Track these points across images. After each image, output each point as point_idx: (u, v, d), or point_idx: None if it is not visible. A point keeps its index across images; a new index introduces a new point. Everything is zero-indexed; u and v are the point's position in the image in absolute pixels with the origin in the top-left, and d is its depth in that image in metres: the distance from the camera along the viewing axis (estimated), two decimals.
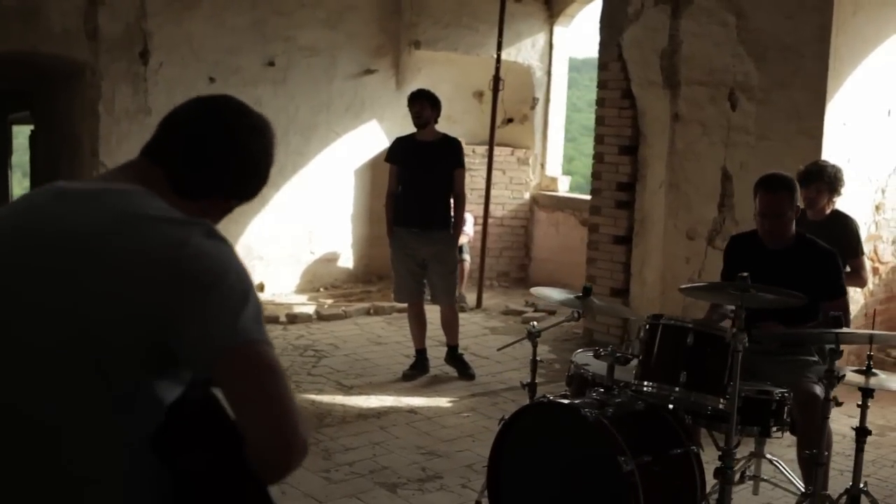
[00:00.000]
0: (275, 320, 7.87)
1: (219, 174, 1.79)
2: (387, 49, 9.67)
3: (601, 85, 7.67)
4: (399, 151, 6.60)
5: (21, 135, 14.91)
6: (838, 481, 4.31)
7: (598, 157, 7.72)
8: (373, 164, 9.58)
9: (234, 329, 1.54)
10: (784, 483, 4.32)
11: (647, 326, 3.75)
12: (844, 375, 3.52)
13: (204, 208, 1.77)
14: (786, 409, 3.73)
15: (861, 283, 5.47)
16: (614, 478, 3.33)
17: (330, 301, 8.94)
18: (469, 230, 9.01)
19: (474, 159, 9.39)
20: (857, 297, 6.20)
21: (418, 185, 6.44)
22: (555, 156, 10.47)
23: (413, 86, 7.84)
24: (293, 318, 8.10)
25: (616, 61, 7.43)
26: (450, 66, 9.79)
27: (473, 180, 9.04)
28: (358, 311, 8.49)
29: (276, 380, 1.54)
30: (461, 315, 7.07)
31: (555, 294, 4.28)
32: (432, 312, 6.75)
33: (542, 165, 10.36)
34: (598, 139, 7.70)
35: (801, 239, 4.23)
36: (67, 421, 1.58)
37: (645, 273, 7.33)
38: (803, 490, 3.88)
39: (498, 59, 9.07)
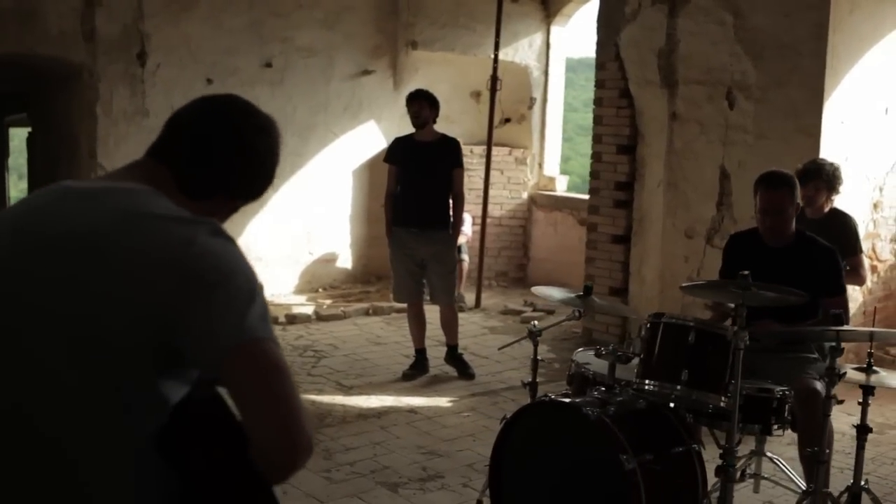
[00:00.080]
0: (274, 321, 7.78)
1: (224, 174, 1.79)
2: (384, 49, 9.67)
3: (599, 84, 7.68)
4: (398, 152, 6.60)
5: (17, 137, 14.90)
6: (838, 479, 4.32)
7: (596, 157, 7.72)
8: (371, 165, 9.58)
9: (241, 328, 1.53)
10: (784, 481, 4.33)
11: (649, 325, 3.76)
12: (846, 373, 3.53)
13: (210, 208, 1.77)
14: (787, 406, 3.74)
15: (860, 281, 5.49)
16: (616, 476, 3.33)
17: (329, 301, 8.95)
18: (467, 230, 9.02)
19: (472, 159, 9.40)
20: (855, 296, 6.22)
21: (417, 185, 6.44)
22: (552, 155, 10.48)
23: (410, 86, 7.84)
24: (292, 319, 8.11)
25: (613, 61, 7.44)
26: (447, 66, 9.80)
27: (471, 180, 9.04)
28: (357, 311, 8.50)
29: (282, 379, 1.53)
30: (460, 315, 7.07)
31: (556, 293, 4.29)
32: (432, 312, 6.76)
33: (540, 165, 10.37)
34: (596, 138, 7.71)
35: (801, 236, 4.25)
36: (74, 423, 1.58)
37: (644, 272, 7.34)
38: (804, 488, 3.89)
39: (495, 59, 9.08)
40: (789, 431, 3.94)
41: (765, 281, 3.50)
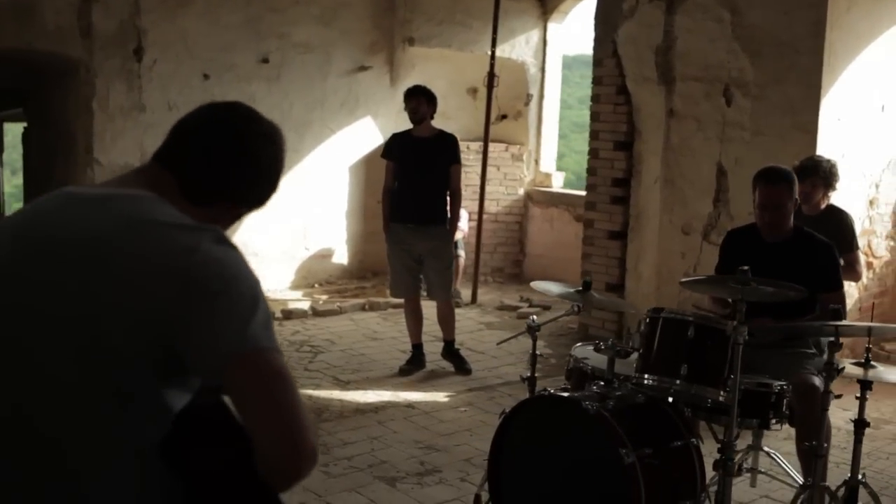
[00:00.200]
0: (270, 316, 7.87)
1: (228, 180, 1.79)
2: (381, 46, 9.67)
3: (596, 81, 7.69)
4: (395, 148, 6.60)
5: (11, 132, 14.85)
6: (834, 473, 4.34)
7: (593, 153, 7.74)
8: (367, 161, 9.59)
9: (244, 336, 1.53)
10: (781, 475, 4.35)
11: (648, 320, 3.77)
12: (844, 368, 3.54)
13: (214, 214, 1.77)
14: (785, 401, 3.76)
15: (856, 277, 5.51)
16: (615, 470, 3.34)
17: (325, 297, 8.95)
18: (464, 226, 9.03)
19: (469, 155, 9.39)
20: (851, 292, 6.23)
21: (415, 181, 6.44)
22: (549, 152, 10.49)
23: (407, 82, 7.84)
24: (288, 314, 8.11)
25: (611, 57, 7.45)
26: (444, 62, 9.80)
27: (468, 176, 9.03)
28: (353, 306, 8.51)
29: (285, 387, 1.53)
30: (456, 311, 7.08)
31: (555, 288, 4.30)
32: (428, 308, 6.77)
33: (537, 161, 10.38)
34: (593, 135, 7.72)
35: (798, 232, 4.27)
36: (75, 427, 1.58)
37: (640, 268, 7.35)
38: (801, 482, 3.90)
39: (492, 56, 9.09)
40: (786, 426, 3.96)
41: (763, 276, 3.52)
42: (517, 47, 9.97)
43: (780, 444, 4.84)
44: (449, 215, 6.52)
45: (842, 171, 5.44)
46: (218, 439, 1.66)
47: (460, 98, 10.02)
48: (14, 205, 16.59)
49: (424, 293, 6.73)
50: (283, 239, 9.16)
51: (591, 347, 4.16)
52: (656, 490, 3.38)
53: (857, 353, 5.36)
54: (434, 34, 9.63)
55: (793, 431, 4.06)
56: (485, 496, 3.95)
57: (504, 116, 10.14)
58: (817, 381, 3.83)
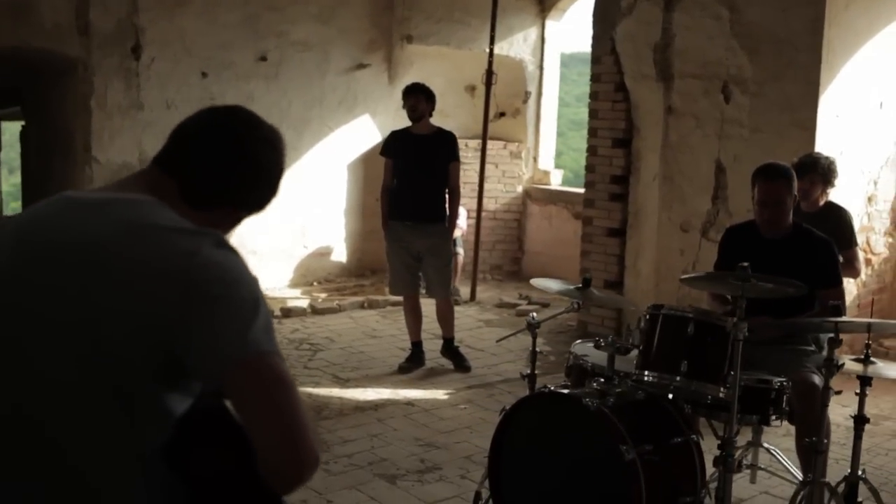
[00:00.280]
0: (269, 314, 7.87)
1: (228, 184, 1.79)
2: (379, 44, 9.67)
3: (594, 78, 7.69)
4: (394, 145, 6.60)
5: (8, 131, 14.82)
6: (834, 469, 4.34)
7: (591, 150, 7.74)
8: (366, 159, 9.59)
9: (245, 340, 1.53)
10: (781, 472, 4.36)
11: (648, 316, 3.77)
12: (843, 364, 3.55)
13: (214, 219, 1.77)
14: (784, 397, 3.76)
15: (854, 273, 5.51)
16: (616, 467, 3.35)
17: (324, 295, 8.95)
18: (462, 224, 9.03)
19: (467, 153, 9.39)
20: (849, 288, 6.23)
21: (413, 178, 6.45)
22: (547, 149, 10.49)
23: (405, 80, 7.84)
24: (287, 312, 8.11)
25: (609, 55, 7.45)
26: (442, 60, 9.80)
27: (466, 174, 9.03)
28: (352, 304, 8.51)
29: (286, 392, 1.53)
30: (455, 308, 7.09)
31: (555, 285, 4.30)
32: (427, 306, 6.77)
33: (535, 159, 10.38)
34: (592, 132, 7.72)
35: (797, 228, 4.27)
36: (77, 431, 1.58)
37: (639, 265, 7.36)
38: (800, 479, 3.91)
39: (490, 54, 9.09)
40: (785, 422, 3.96)
41: (762, 273, 3.52)
42: (515, 45, 9.97)
43: (780, 441, 4.85)
44: (448, 213, 6.53)
45: (840, 167, 5.44)
46: (218, 441, 1.66)
47: (458, 96, 10.02)
48: (12, 204, 16.56)
49: (423, 291, 6.74)
50: (282, 237, 9.15)
51: (591, 344, 4.16)
52: (656, 486, 3.38)
53: (855, 350, 5.38)
54: (432, 32, 9.63)
55: (792, 428, 4.07)
56: (485, 493, 3.95)
57: (502, 114, 10.14)
58: (817, 379, 3.84)
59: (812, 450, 3.60)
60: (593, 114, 7.72)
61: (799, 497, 3.70)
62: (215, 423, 1.66)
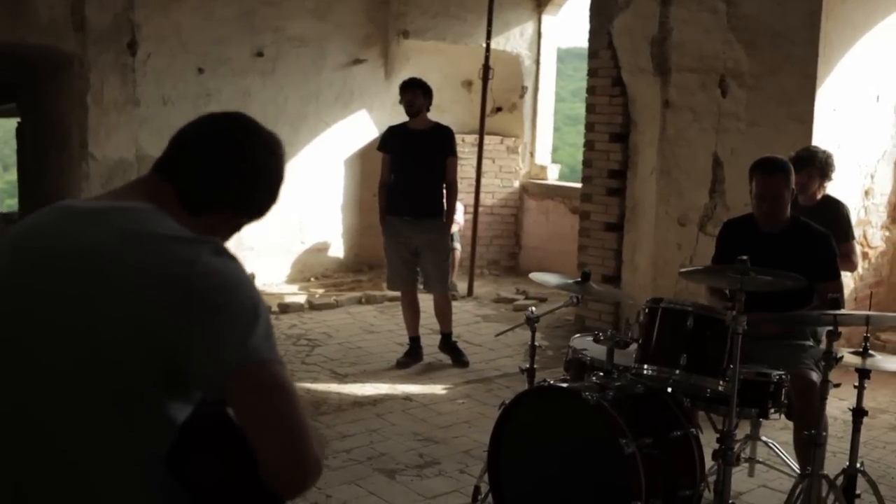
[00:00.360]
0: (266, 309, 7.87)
1: (228, 190, 1.78)
2: (375, 39, 9.66)
3: (591, 73, 7.69)
4: (391, 140, 6.60)
5: (3, 128, 14.81)
6: (831, 462, 4.36)
7: (588, 145, 7.74)
8: (362, 154, 9.59)
9: (245, 348, 1.53)
10: (779, 465, 4.37)
11: (647, 310, 3.78)
12: (842, 357, 3.55)
13: (213, 225, 1.77)
14: (783, 391, 3.77)
15: (851, 267, 5.52)
16: (615, 460, 3.36)
17: (321, 290, 8.95)
18: (459, 219, 9.03)
19: (464, 148, 9.39)
20: (846, 282, 6.24)
21: (411, 173, 6.44)
22: (544, 144, 10.50)
23: (402, 75, 7.83)
24: (285, 308, 8.11)
25: (606, 49, 7.45)
26: (438, 55, 9.79)
27: (463, 169, 9.02)
28: (350, 300, 8.51)
29: (287, 399, 1.53)
30: (453, 303, 7.09)
31: (553, 279, 4.30)
32: (425, 301, 6.77)
33: (532, 154, 10.39)
34: (589, 127, 7.73)
35: (795, 222, 4.27)
36: (80, 436, 1.58)
37: (636, 260, 7.37)
38: (799, 472, 3.91)
39: (487, 49, 9.08)
40: (783, 416, 3.97)
41: (760, 266, 3.52)
42: (512, 40, 9.97)
43: (778, 434, 4.86)
44: (445, 208, 6.53)
45: (837, 161, 5.45)
46: (219, 446, 1.66)
47: (455, 91, 10.01)
48: (7, 201, 16.54)
49: (421, 286, 6.74)
50: (279, 233, 9.14)
51: (590, 338, 4.16)
52: (656, 479, 3.39)
53: (852, 343, 5.38)
54: (428, 27, 9.62)
55: (790, 421, 4.07)
56: (484, 487, 3.96)
57: (499, 109, 10.14)
58: (815, 375, 3.85)
59: (810, 444, 3.60)
60: (590, 108, 7.72)
61: (798, 490, 3.71)
62: (216, 429, 1.65)
